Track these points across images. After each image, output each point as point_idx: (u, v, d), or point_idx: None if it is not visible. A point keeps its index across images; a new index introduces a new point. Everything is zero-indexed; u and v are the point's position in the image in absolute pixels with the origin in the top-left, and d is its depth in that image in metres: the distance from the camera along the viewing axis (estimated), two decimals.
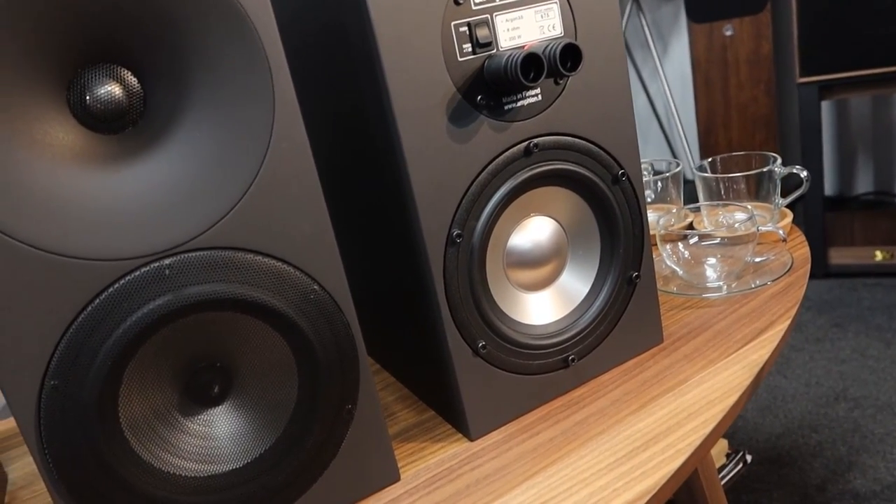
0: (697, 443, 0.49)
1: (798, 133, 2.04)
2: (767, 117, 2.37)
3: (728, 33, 2.36)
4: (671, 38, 2.67)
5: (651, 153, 2.91)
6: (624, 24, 2.59)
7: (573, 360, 0.58)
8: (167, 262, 0.41)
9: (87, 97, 0.40)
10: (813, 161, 1.87)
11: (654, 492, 0.45)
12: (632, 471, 0.48)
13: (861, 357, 1.54)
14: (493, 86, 0.50)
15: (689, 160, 2.51)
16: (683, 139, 2.48)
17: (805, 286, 0.70)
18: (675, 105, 2.48)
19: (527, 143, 0.52)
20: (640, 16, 2.49)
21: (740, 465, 1.19)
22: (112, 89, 0.41)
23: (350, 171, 0.58)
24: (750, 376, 0.56)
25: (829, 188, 2.46)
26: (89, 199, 0.39)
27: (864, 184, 2.45)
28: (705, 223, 0.85)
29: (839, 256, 1.94)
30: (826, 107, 2.40)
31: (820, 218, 1.88)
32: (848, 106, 2.38)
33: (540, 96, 0.52)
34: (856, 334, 1.63)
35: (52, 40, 0.38)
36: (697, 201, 0.88)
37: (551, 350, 0.57)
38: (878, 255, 1.89)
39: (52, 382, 0.39)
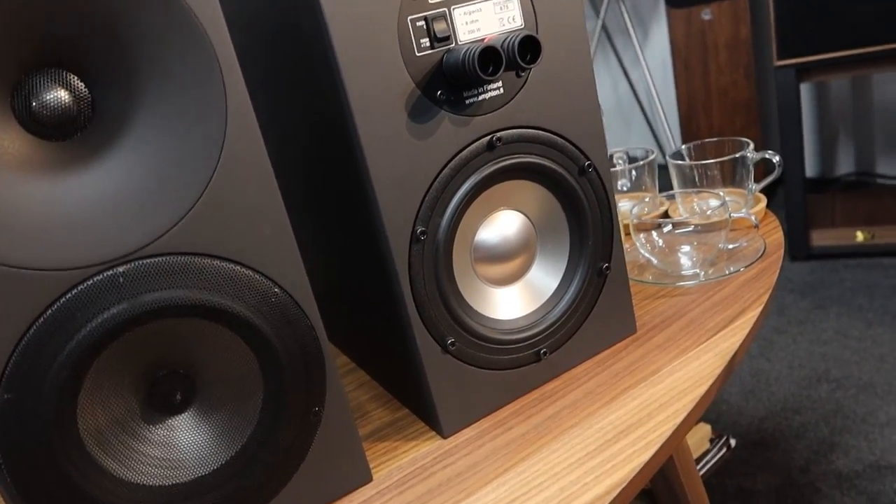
0: (668, 433, 0.49)
1: (776, 116, 2.03)
2: (748, 101, 2.38)
3: (706, 18, 2.35)
4: (651, 23, 2.67)
5: (634, 140, 2.91)
6: (603, 11, 2.59)
7: (545, 353, 0.58)
8: (121, 269, 0.40)
9: (34, 103, 0.39)
10: (793, 143, 1.87)
11: (623, 485, 0.45)
12: (602, 464, 0.48)
13: (843, 338, 1.55)
14: (452, 80, 0.49)
15: (672, 146, 2.51)
16: (666, 125, 2.48)
17: (778, 271, 0.70)
18: (656, 91, 2.48)
19: (490, 136, 0.52)
20: (619, 2, 2.48)
21: (724, 450, 1.20)
22: (59, 94, 0.40)
23: (310, 170, 0.57)
24: (721, 364, 0.56)
25: (810, 170, 2.47)
26: (37, 207, 0.39)
27: (845, 165, 2.46)
28: (680, 210, 0.85)
29: (821, 238, 1.95)
30: (805, 89, 2.40)
31: (801, 200, 1.88)
32: (827, 87, 2.39)
33: (502, 89, 0.52)
34: (837, 315, 1.64)
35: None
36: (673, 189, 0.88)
37: (522, 344, 0.57)
38: (860, 236, 1.90)
39: (5, 396, 0.38)
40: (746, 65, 2.34)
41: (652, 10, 2.65)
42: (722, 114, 2.44)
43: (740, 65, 2.35)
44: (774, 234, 0.79)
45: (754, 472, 1.21)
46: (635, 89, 2.82)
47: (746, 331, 0.60)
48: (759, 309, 0.63)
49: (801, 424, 1.31)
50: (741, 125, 2.41)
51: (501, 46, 0.47)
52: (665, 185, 0.90)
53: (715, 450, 1.19)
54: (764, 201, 0.85)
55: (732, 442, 1.22)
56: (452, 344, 0.53)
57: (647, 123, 2.84)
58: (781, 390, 1.42)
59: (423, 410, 0.57)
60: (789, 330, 1.63)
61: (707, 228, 0.74)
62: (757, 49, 2.35)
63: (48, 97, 0.40)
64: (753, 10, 2.30)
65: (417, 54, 0.48)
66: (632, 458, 0.48)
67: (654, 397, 0.54)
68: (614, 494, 0.45)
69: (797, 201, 1.89)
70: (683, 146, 0.89)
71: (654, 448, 0.48)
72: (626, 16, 2.48)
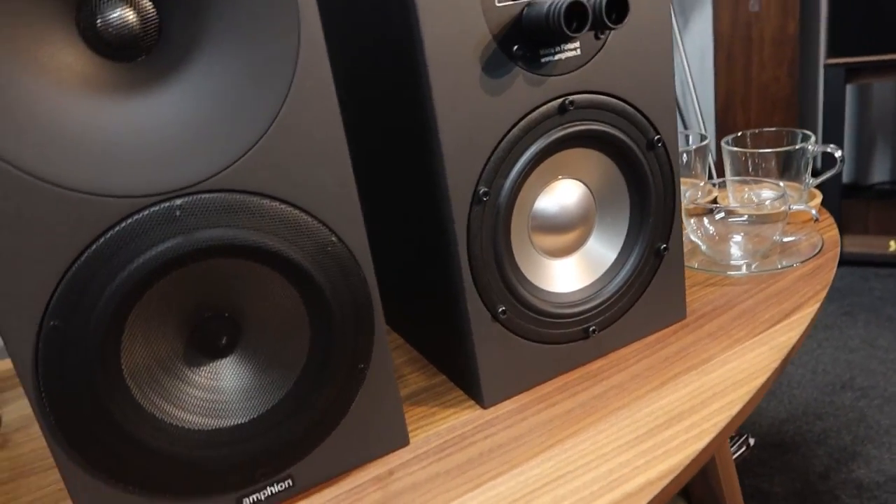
0: (723, 424, 0.47)
1: (818, 116, 1.99)
2: (788, 98, 2.32)
3: (755, 9, 2.29)
4: (693, 10, 2.61)
5: None
6: None
7: (594, 331, 0.56)
8: (178, 202, 0.38)
9: (98, 20, 0.37)
10: (835, 145, 1.83)
11: (677, 472, 0.43)
12: (654, 449, 0.46)
13: (870, 347, 1.52)
14: (531, 35, 0.46)
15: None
16: (699, 115, 2.43)
17: (835, 269, 0.68)
18: (692, 80, 2.43)
19: (562, 99, 0.49)
20: None
21: (743, 449, 1.18)
22: (125, 13, 0.38)
23: (374, 120, 0.55)
24: (778, 358, 0.54)
25: (845, 175, 2.42)
26: (97, 130, 0.37)
27: (881, 172, 2.41)
28: (730, 199, 0.82)
29: (853, 245, 1.92)
30: (849, 91, 2.34)
31: (837, 204, 1.85)
32: (870, 91, 2.33)
33: (579, 50, 0.49)
34: (866, 324, 1.61)
35: None
36: (712, 177, 0.85)
37: (572, 320, 0.55)
38: (893, 246, 1.86)
39: (51, 323, 0.37)
40: (791, 61, 2.28)
41: None
42: (760, 109, 2.38)
43: (784, 61, 2.29)
44: (830, 231, 0.76)
45: (772, 474, 1.19)
46: None
47: (804, 326, 0.58)
48: (817, 305, 0.61)
49: (823, 430, 1.29)
50: (779, 122, 2.36)
51: (588, 2, 0.44)
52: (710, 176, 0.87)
53: (734, 447, 1.17)
54: (819, 197, 0.83)
55: (752, 441, 1.20)
56: (503, 312, 0.51)
57: (679, 112, 2.79)
58: (804, 394, 1.40)
59: (464, 378, 0.55)
60: (815, 334, 1.60)
61: (762, 219, 0.71)
62: (803, 45, 2.29)
63: (113, 16, 0.38)
64: (804, 5, 2.24)
65: (498, 4, 0.45)
66: (685, 446, 0.46)
67: (707, 385, 0.52)
68: (667, 481, 0.43)
69: (833, 205, 1.85)
70: (737, 134, 0.86)
71: (709, 437, 0.46)
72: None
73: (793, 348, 0.56)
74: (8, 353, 0.37)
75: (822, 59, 1.77)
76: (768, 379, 0.52)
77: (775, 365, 0.53)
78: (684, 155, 0.89)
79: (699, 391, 0.51)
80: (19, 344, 0.37)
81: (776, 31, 2.27)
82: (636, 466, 0.44)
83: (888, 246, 1.86)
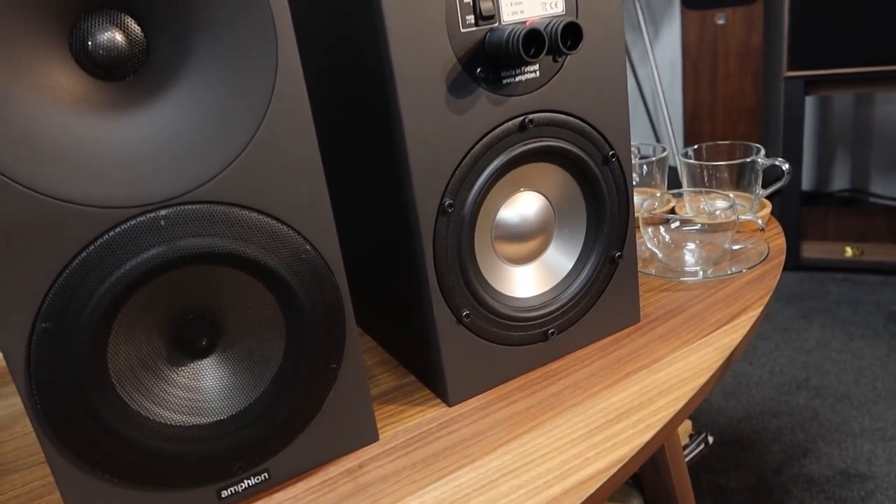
0: (667, 418, 0.51)
1: (781, 126, 2.06)
2: (752, 109, 2.40)
3: (720, 22, 2.36)
4: (664, 22, 2.68)
5: (636, 137, 2.93)
6: None
7: (553, 333, 0.60)
8: (163, 213, 0.41)
9: (89, 43, 0.40)
10: (793, 155, 1.90)
11: (623, 462, 0.47)
12: (604, 441, 0.50)
13: (825, 348, 1.58)
14: (493, 59, 0.50)
15: (674, 146, 2.53)
16: (669, 125, 2.50)
17: (779, 276, 0.72)
18: (662, 91, 2.50)
19: (522, 118, 0.53)
20: None
21: (702, 446, 1.23)
22: (114, 36, 0.41)
23: (345, 135, 0.58)
24: (721, 358, 0.58)
25: (806, 183, 2.51)
26: (88, 145, 0.39)
27: (840, 180, 2.50)
28: (687, 209, 0.87)
29: (811, 250, 1.99)
30: (809, 102, 2.43)
31: (796, 211, 1.92)
32: (830, 103, 2.41)
33: (538, 72, 0.53)
34: (821, 326, 1.68)
35: None
36: (680, 187, 0.90)
37: (532, 323, 0.58)
38: (849, 252, 1.94)
39: (43, 325, 0.39)
40: (755, 73, 2.35)
41: (665, 9, 2.66)
42: (726, 119, 2.45)
43: (749, 72, 2.36)
44: (777, 240, 0.81)
45: (728, 470, 1.25)
46: (641, 87, 2.83)
47: (746, 329, 0.62)
48: (760, 309, 0.65)
49: (778, 428, 1.35)
50: (743, 132, 2.43)
51: (545, 30, 0.48)
52: (670, 185, 0.92)
53: (693, 445, 1.22)
54: (769, 207, 0.87)
55: (710, 439, 1.25)
56: (467, 316, 0.55)
57: (650, 122, 2.86)
58: (761, 394, 1.45)
59: (431, 378, 0.58)
60: (774, 336, 1.66)
61: (714, 228, 0.76)
62: (767, 58, 2.37)
63: (103, 38, 0.40)
64: (767, 18, 2.32)
65: (462, 30, 0.49)
66: (632, 438, 0.50)
67: (655, 384, 0.56)
68: (615, 470, 0.47)
69: (792, 212, 1.92)
70: (693, 146, 0.91)
71: (653, 430, 0.50)
72: (639, 13, 2.48)
73: (736, 348, 0.60)
74: (1, 352, 0.40)
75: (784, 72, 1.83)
76: (711, 377, 0.56)
77: (718, 364, 0.57)
78: (644, 166, 0.94)
79: (648, 389, 0.55)
80: (12, 344, 0.39)
81: (741, 44, 2.34)
82: (587, 458, 0.48)
83: (844, 251, 1.94)
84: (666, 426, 0.51)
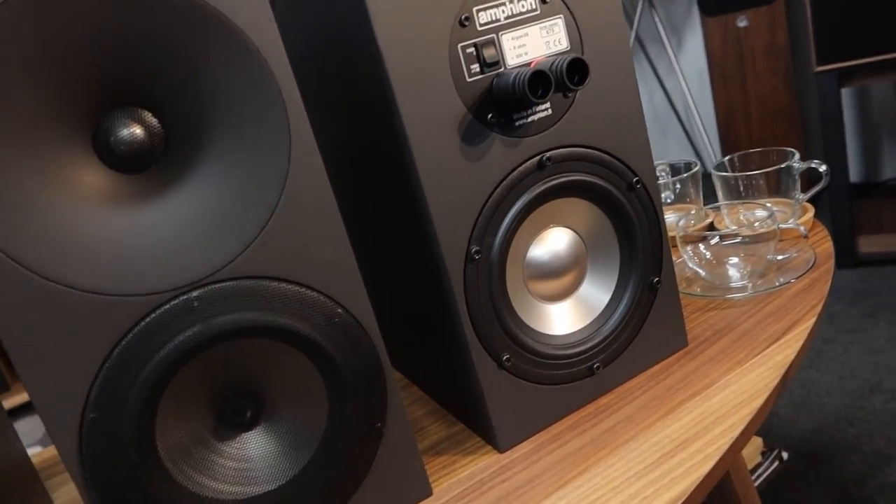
0: (726, 447, 0.50)
1: (818, 122, 2.01)
2: (788, 108, 2.35)
3: (742, 24, 2.34)
4: (685, 32, 2.66)
5: (672, 149, 2.89)
6: (637, 21, 2.58)
7: (598, 367, 0.58)
8: (195, 294, 0.42)
9: (111, 139, 0.42)
10: (836, 150, 1.85)
11: (683, 498, 0.46)
12: (661, 477, 0.48)
13: (895, 347, 1.51)
14: (502, 104, 0.50)
15: (711, 155, 2.49)
16: (704, 134, 2.46)
17: (829, 282, 0.70)
18: (693, 100, 2.47)
19: (539, 156, 0.53)
20: (652, 12, 2.48)
21: (776, 463, 1.18)
22: (134, 130, 0.42)
23: (367, 194, 0.59)
24: (777, 377, 0.56)
25: (854, 175, 2.42)
26: (118, 237, 0.41)
27: (890, 169, 2.41)
28: (726, 222, 0.85)
29: (868, 245, 1.91)
30: (846, 94, 2.36)
31: (846, 207, 1.85)
32: (869, 91, 2.34)
33: (550, 110, 0.53)
34: (889, 323, 1.60)
35: (79, 90, 0.39)
36: (717, 199, 0.88)
37: (576, 359, 0.57)
38: None
39: (91, 415, 0.41)
40: (785, 71, 2.31)
41: (685, 19, 2.64)
42: (762, 122, 2.41)
43: (779, 71, 2.32)
44: (824, 244, 0.78)
45: (808, 486, 1.19)
46: (671, 99, 2.81)
47: (800, 342, 0.60)
48: (813, 320, 0.63)
49: (855, 436, 1.28)
50: (782, 132, 2.38)
51: (550, 69, 0.48)
52: (708, 196, 0.90)
53: (767, 463, 1.17)
54: (811, 211, 0.85)
55: (785, 455, 1.20)
56: (508, 360, 0.54)
57: (685, 133, 2.82)
58: (833, 402, 1.39)
59: (480, 425, 0.58)
60: (839, 339, 1.59)
61: (755, 240, 0.74)
62: (795, 55, 2.32)
63: (124, 133, 0.42)
64: (790, 15, 2.28)
65: (468, 80, 0.49)
66: (690, 472, 0.48)
67: (709, 410, 0.54)
68: None
69: (842, 208, 1.86)
70: (727, 157, 0.89)
71: (712, 461, 0.48)
72: (659, 25, 2.47)
73: (791, 365, 0.58)
74: (54, 446, 0.41)
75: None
76: (769, 398, 0.54)
77: (774, 383, 0.55)
78: (677, 184, 0.92)
79: (703, 416, 0.53)
80: (63, 436, 0.40)
81: (766, 44, 2.31)
82: (645, 496, 0.47)
83: None
84: (725, 455, 0.49)
